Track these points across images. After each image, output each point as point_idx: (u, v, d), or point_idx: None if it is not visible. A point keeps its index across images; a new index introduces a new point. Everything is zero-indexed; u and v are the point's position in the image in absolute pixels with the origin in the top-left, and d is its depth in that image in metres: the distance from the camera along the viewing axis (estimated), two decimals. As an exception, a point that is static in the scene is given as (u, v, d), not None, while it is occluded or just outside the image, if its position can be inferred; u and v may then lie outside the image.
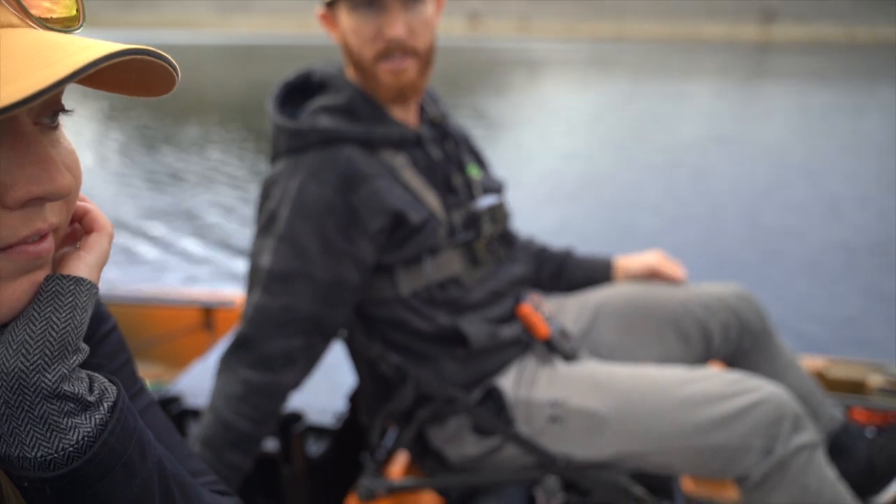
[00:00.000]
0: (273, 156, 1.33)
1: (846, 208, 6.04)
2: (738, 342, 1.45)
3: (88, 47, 0.44)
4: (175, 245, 5.07)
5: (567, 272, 1.58)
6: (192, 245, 5.07)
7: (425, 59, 1.30)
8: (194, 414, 1.62)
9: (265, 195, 1.31)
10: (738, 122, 11.42)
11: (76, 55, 0.42)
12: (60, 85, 0.40)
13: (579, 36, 37.01)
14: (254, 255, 1.29)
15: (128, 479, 0.51)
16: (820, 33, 34.10)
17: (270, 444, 1.47)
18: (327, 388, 1.69)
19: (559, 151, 8.60)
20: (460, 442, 1.33)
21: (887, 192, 6.56)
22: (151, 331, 2.23)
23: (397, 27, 1.24)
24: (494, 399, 1.31)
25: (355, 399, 1.66)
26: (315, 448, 1.57)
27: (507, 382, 1.32)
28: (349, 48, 1.30)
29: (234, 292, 2.42)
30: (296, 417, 1.54)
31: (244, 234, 5.26)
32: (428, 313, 1.30)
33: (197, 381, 1.73)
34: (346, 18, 1.27)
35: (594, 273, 1.57)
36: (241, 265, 4.60)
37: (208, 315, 2.29)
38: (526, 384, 1.31)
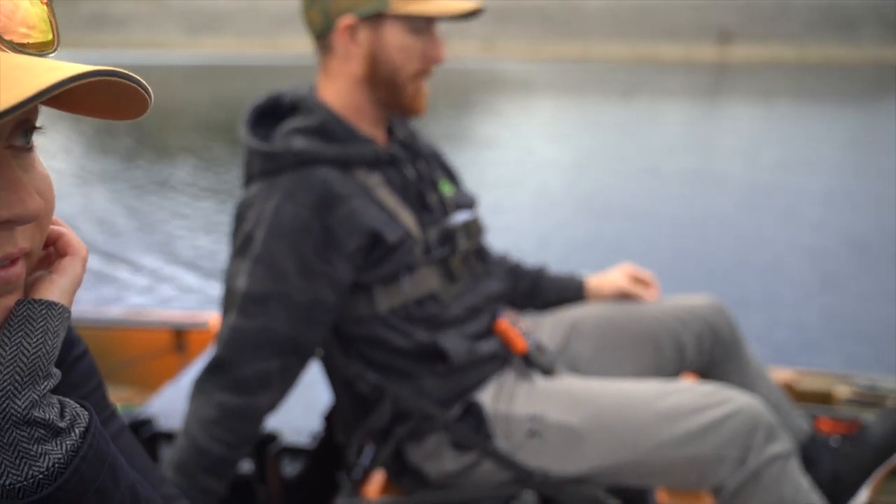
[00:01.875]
0: (247, 179, 1.32)
1: (810, 218, 6.16)
2: (711, 353, 1.47)
3: (56, 68, 0.43)
4: (145, 266, 5.01)
5: (540, 290, 1.59)
6: (160, 265, 5.01)
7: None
8: (167, 437, 1.60)
9: (240, 218, 1.30)
10: (704, 138, 11.69)
11: (43, 76, 0.42)
12: (25, 105, 0.40)
13: (543, 57, 37.58)
14: (229, 278, 1.28)
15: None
16: (774, 54, 35.11)
17: (245, 466, 1.45)
18: (303, 407, 1.68)
19: (537, 163, 8.70)
20: (439, 458, 1.33)
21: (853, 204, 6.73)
22: (121, 353, 2.20)
23: (445, 52, 1.35)
24: (474, 414, 1.32)
25: (331, 418, 1.65)
26: (290, 468, 1.55)
27: (486, 397, 1.32)
28: (381, 61, 1.30)
29: (206, 313, 2.39)
30: (271, 438, 1.52)
31: (214, 252, 5.21)
32: (406, 330, 1.30)
33: (169, 404, 1.71)
34: (397, 34, 1.29)
35: (567, 292, 1.58)
36: (210, 285, 4.54)
37: (180, 337, 2.26)
38: (505, 399, 1.31)
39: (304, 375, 1.32)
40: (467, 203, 1.45)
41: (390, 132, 1.41)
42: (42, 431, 0.48)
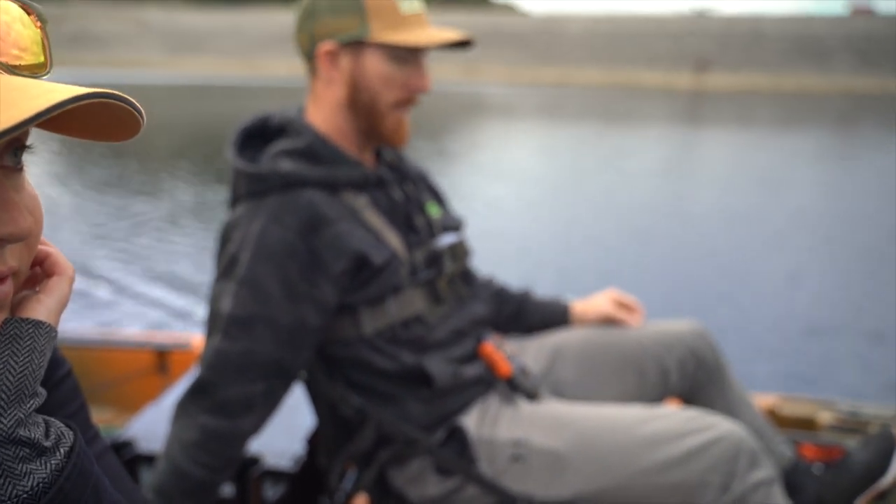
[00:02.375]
0: (233, 200, 1.32)
1: (794, 247, 6.24)
2: (694, 378, 1.48)
3: (52, 90, 0.44)
4: (126, 286, 4.95)
5: (525, 315, 1.59)
6: (143, 286, 4.96)
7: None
8: (147, 459, 1.57)
9: (225, 239, 1.29)
10: (684, 164, 11.86)
11: (39, 98, 0.43)
12: (20, 128, 0.40)
13: (523, 81, 38.00)
14: (213, 300, 1.27)
15: None
16: (749, 82, 35.80)
17: (226, 490, 1.44)
18: (285, 430, 1.66)
19: (517, 194, 8.74)
20: (422, 483, 1.32)
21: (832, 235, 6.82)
22: (103, 374, 2.16)
23: (429, 82, 1.33)
24: (457, 439, 1.31)
25: (314, 441, 1.63)
26: (272, 492, 1.54)
27: (471, 422, 1.32)
28: (361, 88, 1.30)
29: (189, 334, 2.37)
30: (253, 461, 1.50)
31: (196, 272, 5.15)
32: (391, 352, 1.30)
33: (150, 426, 1.68)
34: (377, 63, 1.29)
35: (552, 317, 1.59)
36: (192, 304, 4.49)
37: (162, 358, 2.23)
38: (489, 423, 1.31)
39: (287, 398, 1.31)
40: (454, 225, 1.45)
41: (378, 154, 1.42)
42: (27, 450, 0.48)
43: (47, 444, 0.50)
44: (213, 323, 1.26)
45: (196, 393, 1.24)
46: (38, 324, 0.51)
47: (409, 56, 1.29)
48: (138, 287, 4.91)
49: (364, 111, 1.31)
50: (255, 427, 1.27)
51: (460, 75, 37.98)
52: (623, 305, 1.57)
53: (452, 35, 1.30)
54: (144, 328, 4.03)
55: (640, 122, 19.34)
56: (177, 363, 2.22)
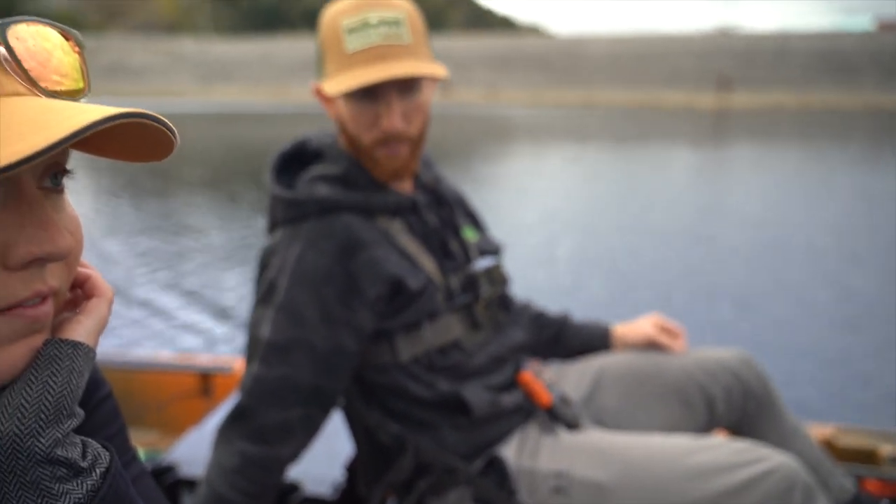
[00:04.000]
0: (271, 226, 1.33)
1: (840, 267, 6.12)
2: (743, 407, 1.44)
3: (86, 111, 0.45)
4: (167, 309, 5.00)
5: (565, 339, 1.57)
6: (184, 309, 5.00)
7: (418, 141, 1.31)
8: (189, 484, 1.57)
9: (263, 265, 1.30)
10: (715, 185, 11.76)
11: (74, 118, 0.44)
12: (57, 147, 0.41)
13: (545, 103, 38.08)
14: (253, 326, 1.27)
15: None
16: (774, 100, 35.53)
17: None
18: (325, 457, 1.65)
19: (547, 215, 8.71)
20: (461, 514, 1.30)
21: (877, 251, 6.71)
22: (147, 397, 2.18)
23: (395, 120, 1.24)
24: (497, 469, 1.29)
25: (353, 468, 1.62)
26: None
27: (510, 452, 1.30)
28: (345, 129, 1.31)
29: (231, 357, 2.39)
30: (293, 488, 1.50)
31: (235, 295, 5.19)
32: (428, 380, 1.29)
33: (193, 450, 1.68)
34: (342, 104, 1.28)
35: (592, 341, 1.56)
36: (230, 328, 4.52)
37: (206, 381, 2.24)
38: (529, 454, 1.29)
39: (326, 425, 1.30)
40: (491, 249, 1.44)
41: (415, 177, 1.41)
42: (64, 471, 0.49)
43: (84, 464, 0.50)
44: (253, 349, 1.26)
45: (235, 419, 1.24)
46: (76, 345, 0.52)
47: (370, 95, 1.23)
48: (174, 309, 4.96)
49: (355, 148, 1.30)
50: (294, 454, 1.26)
51: (482, 98, 38.16)
52: (666, 330, 1.54)
53: (394, 70, 1.18)
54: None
55: (662, 142, 19.25)
56: (220, 386, 2.23)
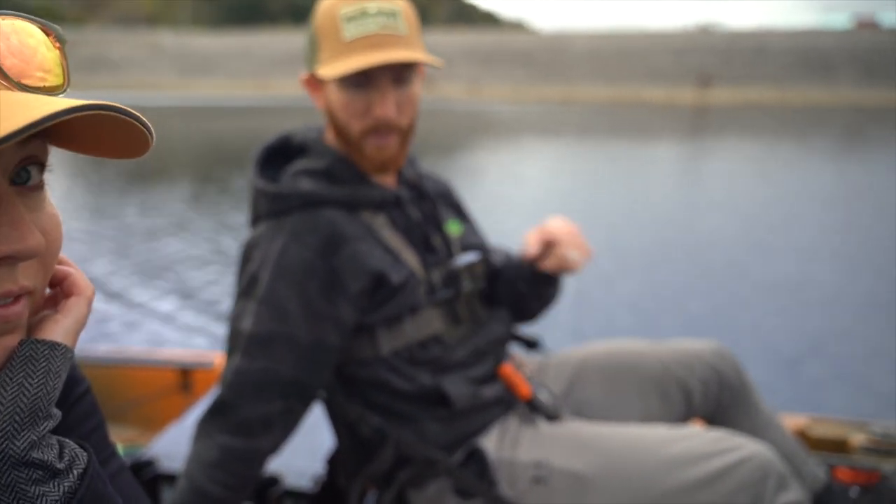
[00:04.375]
0: (253, 219, 1.33)
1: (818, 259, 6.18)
2: (719, 398, 1.46)
3: (52, 103, 0.44)
4: (146, 303, 4.97)
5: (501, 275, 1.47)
6: (163, 303, 4.98)
7: (407, 134, 1.31)
8: (169, 478, 1.57)
9: (246, 258, 1.30)
10: (695, 179, 11.87)
11: (38, 109, 0.43)
12: (17, 136, 0.41)
13: (527, 98, 38.17)
14: (234, 319, 1.27)
15: None
16: (754, 96, 35.87)
17: None
18: (305, 450, 1.66)
19: (526, 207, 8.74)
20: (442, 505, 1.31)
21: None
22: (126, 393, 2.17)
23: (388, 108, 1.24)
24: (477, 460, 1.30)
25: (334, 461, 1.63)
26: None
27: (490, 443, 1.31)
28: (334, 118, 1.30)
29: (212, 353, 2.38)
30: (273, 481, 1.50)
31: (216, 290, 5.16)
32: (409, 373, 1.30)
33: (173, 445, 1.69)
34: (334, 91, 1.28)
35: (515, 262, 1.46)
36: (212, 323, 4.50)
37: (185, 376, 2.24)
38: (509, 445, 1.30)
39: (307, 418, 1.31)
40: (475, 244, 1.45)
41: (398, 172, 1.41)
42: (40, 473, 0.48)
43: (60, 466, 0.50)
44: (234, 342, 1.26)
45: (215, 412, 1.24)
46: (53, 345, 0.51)
47: (364, 81, 1.24)
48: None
49: (344, 138, 1.31)
50: (274, 446, 1.27)
51: (465, 93, 38.15)
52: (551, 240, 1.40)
53: (392, 55, 1.20)
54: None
55: (643, 137, 19.38)
56: (200, 381, 2.23)
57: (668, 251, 6.63)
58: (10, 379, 0.49)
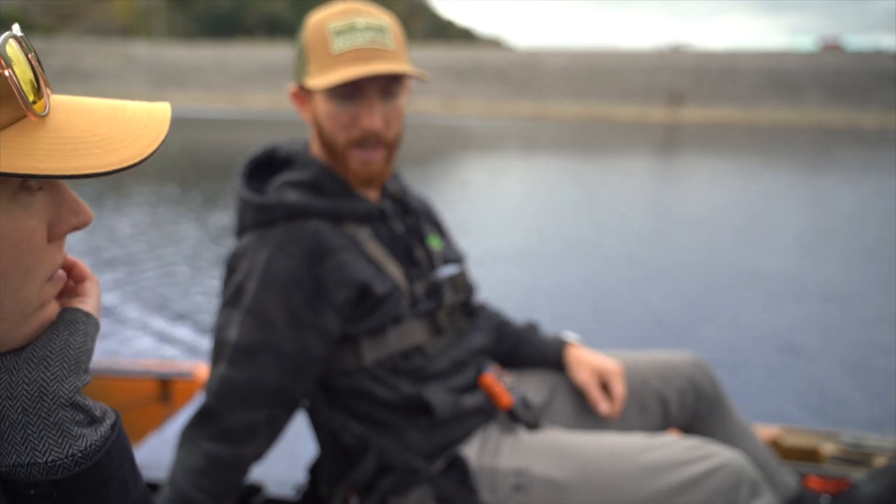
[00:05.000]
0: (239, 229, 1.34)
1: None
2: (695, 409, 1.49)
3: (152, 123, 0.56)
4: (124, 314, 4.93)
5: (522, 352, 1.55)
6: (141, 313, 4.93)
7: (393, 148, 1.33)
8: (152, 487, 1.56)
9: (231, 268, 1.31)
10: (665, 194, 12.04)
11: (142, 137, 0.53)
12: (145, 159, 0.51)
13: (501, 114, 38.46)
14: (220, 328, 1.28)
15: (123, 493, 0.55)
16: (723, 115, 36.51)
17: None
18: (287, 458, 1.66)
19: (504, 223, 8.79)
20: (423, 513, 1.32)
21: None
22: (105, 403, 2.14)
23: (375, 120, 1.26)
24: (458, 468, 1.32)
25: (316, 470, 1.63)
26: None
27: (471, 451, 1.33)
28: (321, 129, 1.32)
29: (191, 363, 2.37)
30: (255, 490, 1.50)
31: (193, 300, 5.13)
32: (392, 383, 1.31)
33: (153, 455, 1.68)
34: (322, 103, 1.29)
35: (546, 359, 1.54)
36: (192, 334, 4.47)
37: (165, 386, 2.23)
38: (490, 453, 1.32)
39: (290, 427, 1.32)
40: (455, 258, 1.48)
41: (382, 186, 1.43)
42: (82, 416, 0.54)
43: (98, 413, 0.55)
44: (219, 351, 1.27)
45: (200, 420, 1.25)
46: (88, 314, 0.58)
47: (352, 93, 1.25)
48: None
49: (330, 151, 1.32)
50: (258, 454, 1.28)
51: (440, 108, 38.28)
52: (608, 387, 1.46)
53: (381, 67, 1.22)
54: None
55: (615, 153, 19.62)
56: (180, 392, 2.21)
57: (644, 263, 6.72)
58: (57, 335, 0.55)
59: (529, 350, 1.56)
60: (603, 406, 1.43)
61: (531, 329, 1.60)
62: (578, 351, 1.51)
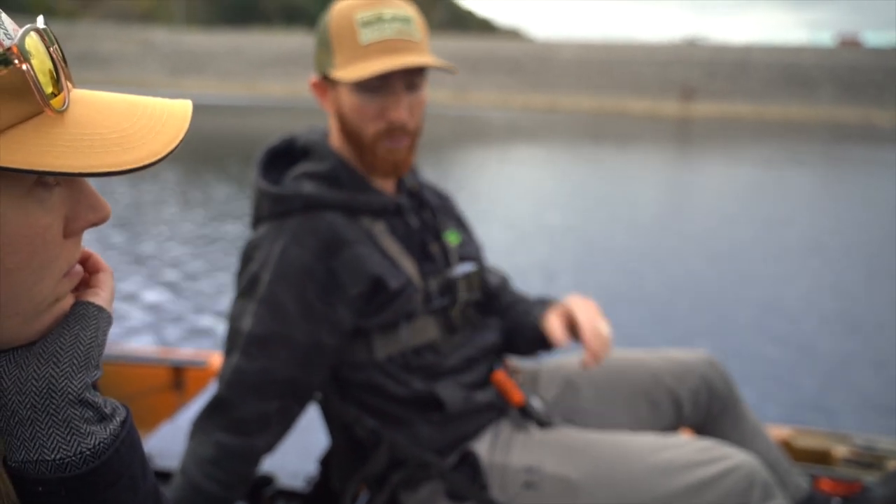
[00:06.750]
0: (255, 220, 1.34)
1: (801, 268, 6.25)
2: (708, 408, 1.48)
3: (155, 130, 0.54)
4: (140, 300, 4.94)
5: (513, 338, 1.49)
6: (157, 300, 4.95)
7: (415, 137, 1.33)
8: (163, 476, 1.57)
9: (247, 258, 1.31)
10: (679, 190, 11.99)
11: (161, 135, 0.52)
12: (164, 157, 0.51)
13: (513, 106, 38.28)
14: (234, 318, 1.29)
15: (132, 491, 0.55)
16: (735, 110, 36.21)
17: None
18: (299, 450, 1.66)
19: (516, 219, 8.76)
20: (433, 507, 1.33)
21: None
22: (119, 390, 2.16)
23: (401, 112, 1.26)
24: (469, 464, 1.32)
25: (327, 462, 1.64)
26: None
27: (482, 447, 1.33)
28: (345, 121, 1.31)
29: (206, 352, 2.38)
30: (266, 481, 1.51)
31: (209, 288, 5.14)
32: (403, 378, 1.31)
33: (166, 443, 1.69)
34: (347, 95, 1.28)
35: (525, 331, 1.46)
36: (209, 321, 4.49)
37: (178, 374, 2.23)
38: (501, 449, 1.32)
39: (301, 419, 1.32)
40: (472, 254, 1.47)
41: (399, 180, 1.43)
42: (91, 413, 0.53)
43: (107, 410, 0.55)
44: (233, 341, 1.27)
45: (213, 410, 1.25)
46: (101, 308, 0.57)
47: (379, 86, 1.25)
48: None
49: (354, 142, 1.31)
50: (270, 445, 1.28)
51: (452, 99, 38.18)
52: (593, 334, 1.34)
53: (411, 60, 1.22)
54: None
55: (636, 146, 19.52)
56: (193, 380, 2.22)
57: (656, 257, 6.68)
58: (68, 330, 0.54)
59: (524, 319, 1.46)
60: (558, 337, 1.34)
61: (538, 302, 1.49)
62: (554, 317, 1.39)
